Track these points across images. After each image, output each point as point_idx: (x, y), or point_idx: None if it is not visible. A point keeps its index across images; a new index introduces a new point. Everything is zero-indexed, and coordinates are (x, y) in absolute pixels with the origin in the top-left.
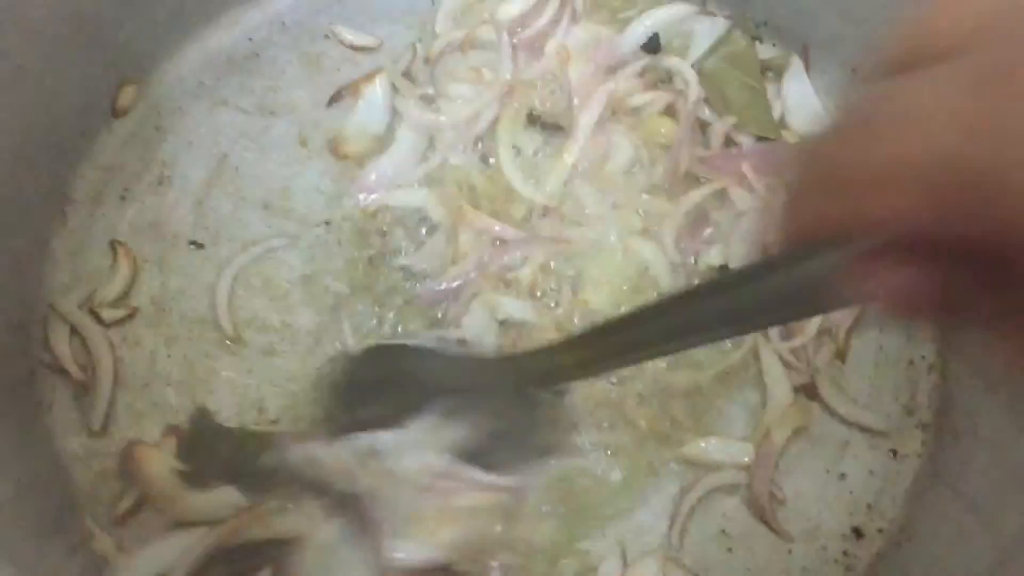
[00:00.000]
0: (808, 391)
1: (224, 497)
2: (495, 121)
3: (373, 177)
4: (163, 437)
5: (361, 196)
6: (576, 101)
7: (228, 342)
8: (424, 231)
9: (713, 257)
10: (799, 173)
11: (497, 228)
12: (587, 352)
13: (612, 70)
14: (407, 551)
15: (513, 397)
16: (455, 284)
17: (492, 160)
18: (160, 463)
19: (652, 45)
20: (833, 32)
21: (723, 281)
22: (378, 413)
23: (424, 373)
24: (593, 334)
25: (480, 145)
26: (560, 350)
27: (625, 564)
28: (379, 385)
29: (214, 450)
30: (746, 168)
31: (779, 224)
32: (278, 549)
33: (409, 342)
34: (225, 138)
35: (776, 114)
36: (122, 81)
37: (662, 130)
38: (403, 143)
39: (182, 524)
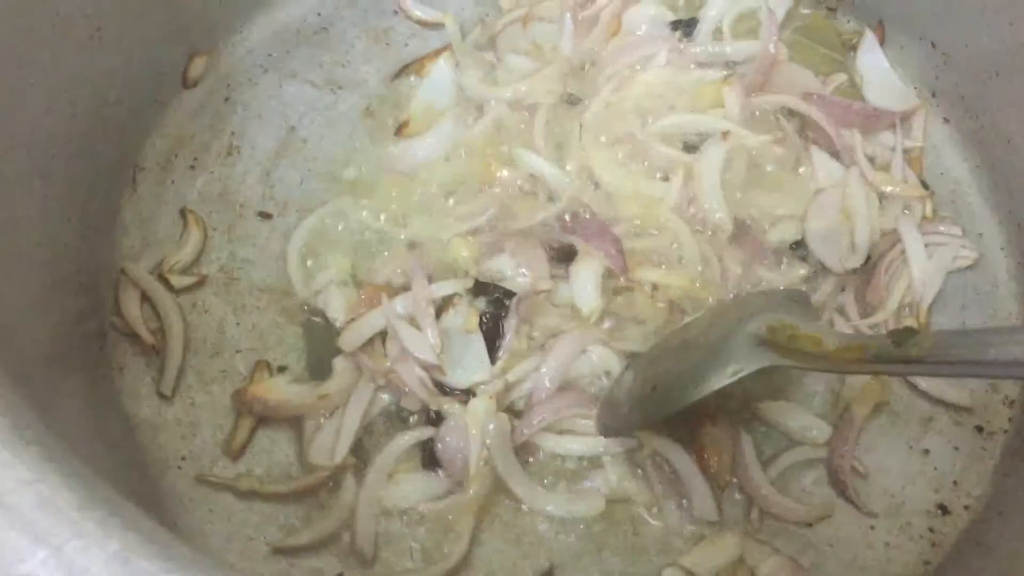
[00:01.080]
0: None
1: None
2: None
3: (412, 153)
4: (254, 372)
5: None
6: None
7: (304, 307)
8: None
9: (786, 232)
10: None
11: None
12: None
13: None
14: None
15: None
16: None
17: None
18: (278, 387)
19: (688, 26)
20: (908, 6)
21: None
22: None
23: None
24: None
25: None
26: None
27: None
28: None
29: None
30: (817, 114)
31: None
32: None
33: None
34: (293, 110)
35: None
36: (193, 52)
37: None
38: (446, 125)
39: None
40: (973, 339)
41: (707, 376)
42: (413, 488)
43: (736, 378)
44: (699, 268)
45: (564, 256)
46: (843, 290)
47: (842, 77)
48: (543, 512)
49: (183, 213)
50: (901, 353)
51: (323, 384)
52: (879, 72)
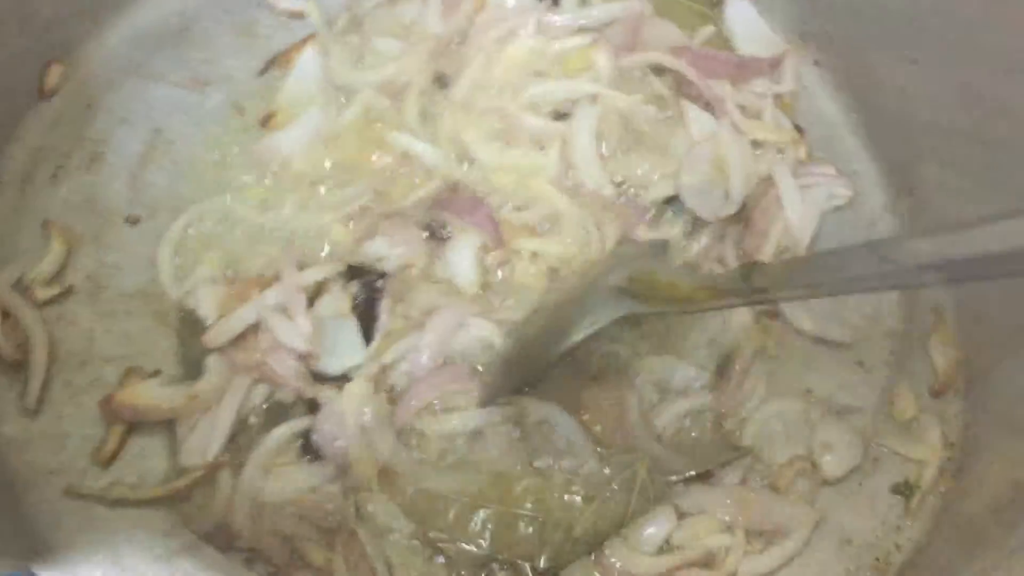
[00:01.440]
0: (768, 311)
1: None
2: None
3: (281, 145)
4: (124, 379)
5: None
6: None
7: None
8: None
9: (661, 189)
10: None
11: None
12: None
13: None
14: None
15: None
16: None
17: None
18: (147, 391)
19: None
20: None
21: None
22: None
23: None
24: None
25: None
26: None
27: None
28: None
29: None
30: (686, 68)
31: None
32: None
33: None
34: (159, 112)
35: None
36: (48, 61)
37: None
38: (314, 114)
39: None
40: (816, 262)
41: (569, 330)
42: (292, 480)
43: (595, 328)
44: (578, 234)
45: (440, 233)
46: (722, 240)
47: (710, 29)
48: (431, 491)
49: (45, 225)
50: (749, 285)
51: (194, 384)
52: (746, 21)
